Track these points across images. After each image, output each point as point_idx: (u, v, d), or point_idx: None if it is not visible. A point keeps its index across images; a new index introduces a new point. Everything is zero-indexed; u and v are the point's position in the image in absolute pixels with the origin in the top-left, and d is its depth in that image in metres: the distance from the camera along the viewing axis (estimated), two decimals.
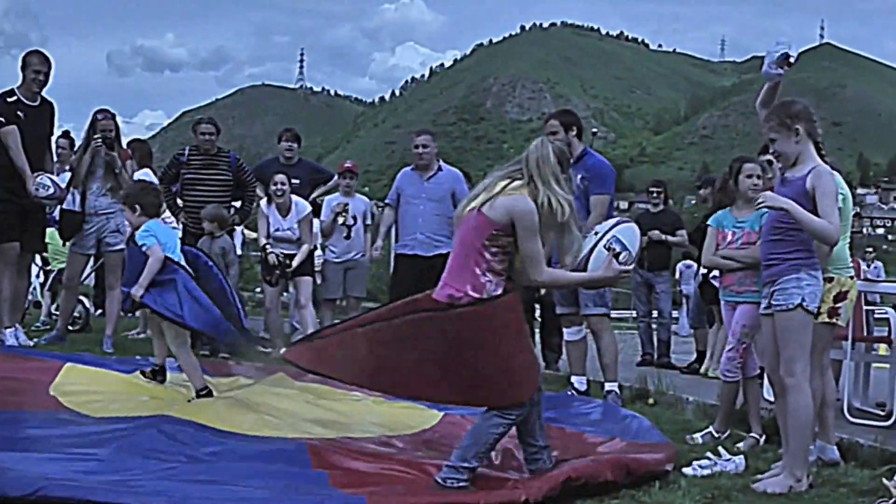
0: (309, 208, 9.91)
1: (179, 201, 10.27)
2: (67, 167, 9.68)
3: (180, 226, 10.43)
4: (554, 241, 4.70)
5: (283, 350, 5.39)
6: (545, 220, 4.51)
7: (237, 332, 6.71)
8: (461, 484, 4.36)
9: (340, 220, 10.11)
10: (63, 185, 8.28)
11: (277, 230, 9.75)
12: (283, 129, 11.05)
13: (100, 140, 8.83)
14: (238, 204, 10.08)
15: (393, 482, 4.37)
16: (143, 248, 6.52)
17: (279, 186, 9.70)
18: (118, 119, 9.27)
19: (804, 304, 4.89)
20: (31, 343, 8.77)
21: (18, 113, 8.51)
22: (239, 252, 11.14)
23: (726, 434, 6.08)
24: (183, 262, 6.68)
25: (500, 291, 4.49)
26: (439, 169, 9.68)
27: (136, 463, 4.36)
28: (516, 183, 4.56)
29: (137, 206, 6.71)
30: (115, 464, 4.28)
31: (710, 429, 6.15)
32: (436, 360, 4.50)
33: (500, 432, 4.53)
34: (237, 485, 4.16)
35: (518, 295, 4.61)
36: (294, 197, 9.82)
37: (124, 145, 9.63)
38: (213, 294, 6.61)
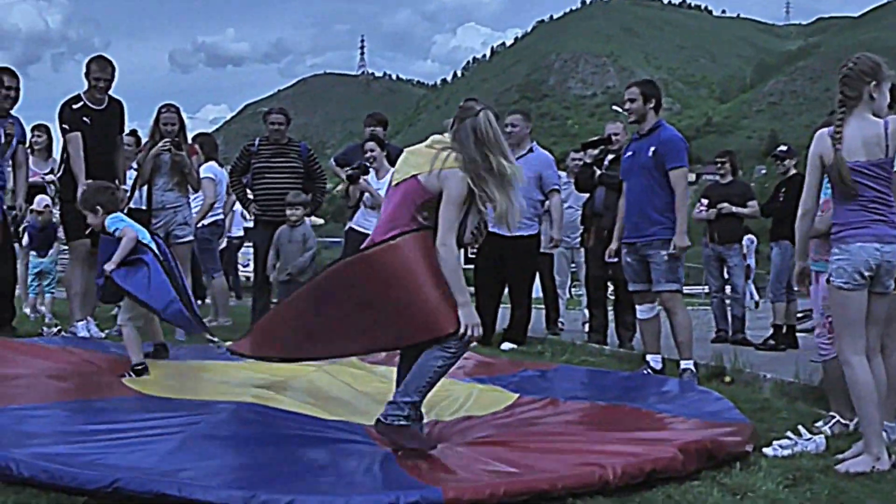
0: None
1: (249, 193, 10.34)
2: (134, 164, 9.80)
3: (251, 217, 10.51)
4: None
5: (228, 343, 5.60)
6: (504, 188, 4.68)
7: (189, 317, 6.83)
8: (401, 421, 4.56)
9: None
10: None
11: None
12: (367, 115, 10.97)
13: (168, 143, 8.91)
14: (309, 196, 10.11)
15: (469, 469, 4.34)
16: (116, 233, 6.76)
17: (370, 153, 9.82)
18: (182, 113, 9.33)
19: (831, 279, 4.83)
20: (103, 335, 8.88)
21: (84, 119, 8.62)
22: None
23: (854, 421, 5.52)
24: (153, 246, 6.89)
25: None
26: (531, 150, 9.68)
27: (210, 450, 4.38)
28: (453, 155, 4.69)
29: (98, 207, 6.95)
30: (188, 451, 4.29)
31: (837, 417, 5.68)
32: (357, 306, 4.67)
33: (441, 365, 4.62)
34: (310, 473, 4.16)
35: (427, 235, 4.67)
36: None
37: (189, 139, 9.71)
38: (172, 279, 6.81)
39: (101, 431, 4.58)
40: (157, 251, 6.89)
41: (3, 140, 8.03)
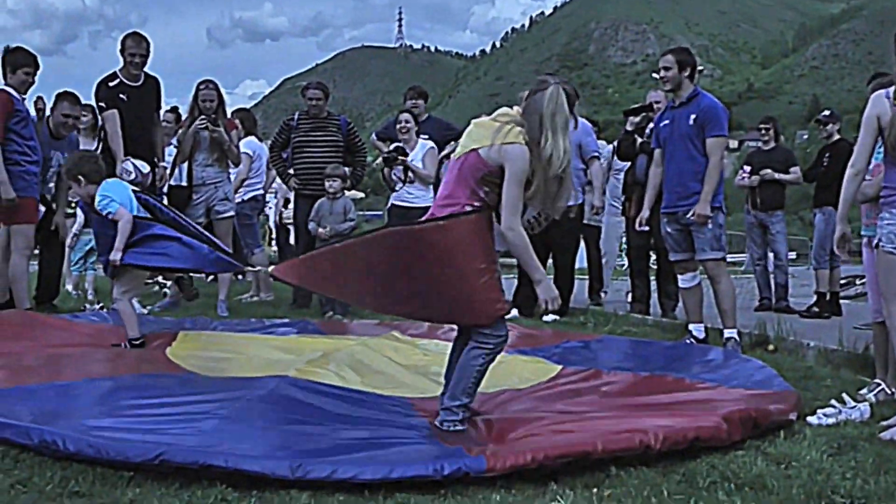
0: (431, 144, 10.00)
1: (290, 168, 10.36)
2: (174, 141, 9.85)
3: (291, 192, 10.52)
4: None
5: (271, 268, 5.67)
6: (546, 169, 4.48)
7: (227, 258, 6.75)
8: (457, 426, 4.52)
9: None
10: (145, 171, 8.32)
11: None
12: (408, 88, 10.94)
13: (204, 121, 8.95)
14: (349, 170, 10.10)
15: (511, 438, 4.32)
16: (109, 215, 6.58)
17: (404, 124, 9.91)
18: (221, 89, 9.36)
19: (881, 244, 4.79)
20: (146, 311, 8.97)
21: (121, 96, 8.68)
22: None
23: None
24: (144, 213, 6.76)
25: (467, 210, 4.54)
26: None
27: (253, 425, 4.37)
28: (516, 129, 4.51)
29: (81, 177, 6.74)
30: (232, 426, 4.29)
31: (882, 385, 5.60)
32: (400, 273, 4.63)
33: (482, 363, 4.60)
34: (354, 444, 4.15)
35: (488, 218, 4.60)
36: (419, 138, 10.02)
37: (229, 115, 9.75)
38: (186, 232, 6.73)
39: (145, 407, 4.61)
40: (155, 215, 6.84)
41: (35, 117, 8.12)
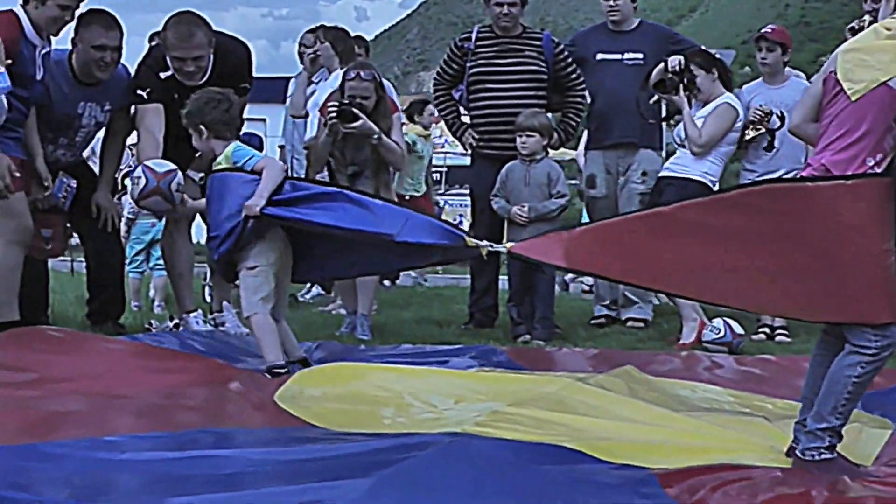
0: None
1: (464, 115, 10.27)
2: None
3: (468, 150, 10.44)
4: None
5: (509, 245, 6.01)
6: None
7: (443, 226, 6.92)
8: (824, 454, 4.90)
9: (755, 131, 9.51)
10: (162, 171, 7.78)
11: None
12: None
13: (334, 115, 8.82)
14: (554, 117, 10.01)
15: None
16: (251, 164, 6.92)
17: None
18: (380, 76, 9.23)
19: None
20: (245, 331, 9.06)
21: (175, 96, 8.37)
22: None
23: None
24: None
25: (875, 170, 4.83)
26: None
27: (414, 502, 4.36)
28: None
29: (203, 127, 7.07)
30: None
31: None
32: (770, 247, 5.01)
33: (861, 374, 4.87)
34: None
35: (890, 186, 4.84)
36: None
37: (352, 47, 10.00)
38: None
39: (244, 477, 4.60)
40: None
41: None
